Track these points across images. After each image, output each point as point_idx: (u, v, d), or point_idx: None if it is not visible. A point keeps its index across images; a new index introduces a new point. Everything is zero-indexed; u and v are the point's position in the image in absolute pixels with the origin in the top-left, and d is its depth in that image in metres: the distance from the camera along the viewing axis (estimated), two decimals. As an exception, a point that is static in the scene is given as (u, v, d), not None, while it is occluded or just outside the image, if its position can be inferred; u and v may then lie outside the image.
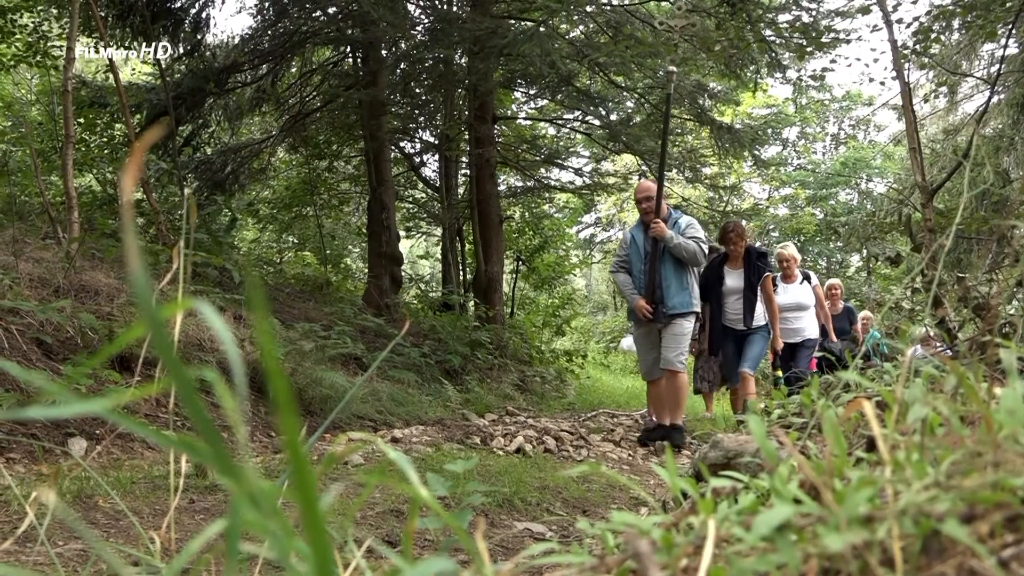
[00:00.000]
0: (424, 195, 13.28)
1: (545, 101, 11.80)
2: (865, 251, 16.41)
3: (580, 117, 11.04)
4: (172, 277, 1.00)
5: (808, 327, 6.50)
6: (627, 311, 5.22)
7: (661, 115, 6.99)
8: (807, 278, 6.72)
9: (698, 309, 5.03)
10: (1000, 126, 12.60)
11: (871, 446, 0.93)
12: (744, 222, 6.69)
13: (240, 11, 15.97)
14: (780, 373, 6.39)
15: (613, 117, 10.53)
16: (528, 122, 12.89)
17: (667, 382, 4.99)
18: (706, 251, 4.87)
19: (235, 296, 5.63)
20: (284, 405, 0.32)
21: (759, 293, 5.64)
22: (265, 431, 4.16)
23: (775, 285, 6.48)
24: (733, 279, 5.69)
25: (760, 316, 5.66)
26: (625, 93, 10.28)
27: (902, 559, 0.49)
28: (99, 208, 8.34)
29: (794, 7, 7.50)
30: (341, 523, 1.91)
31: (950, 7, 6.72)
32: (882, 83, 17.37)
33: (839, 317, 7.59)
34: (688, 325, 4.95)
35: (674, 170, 10.68)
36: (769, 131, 11.08)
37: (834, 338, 6.97)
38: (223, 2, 19.40)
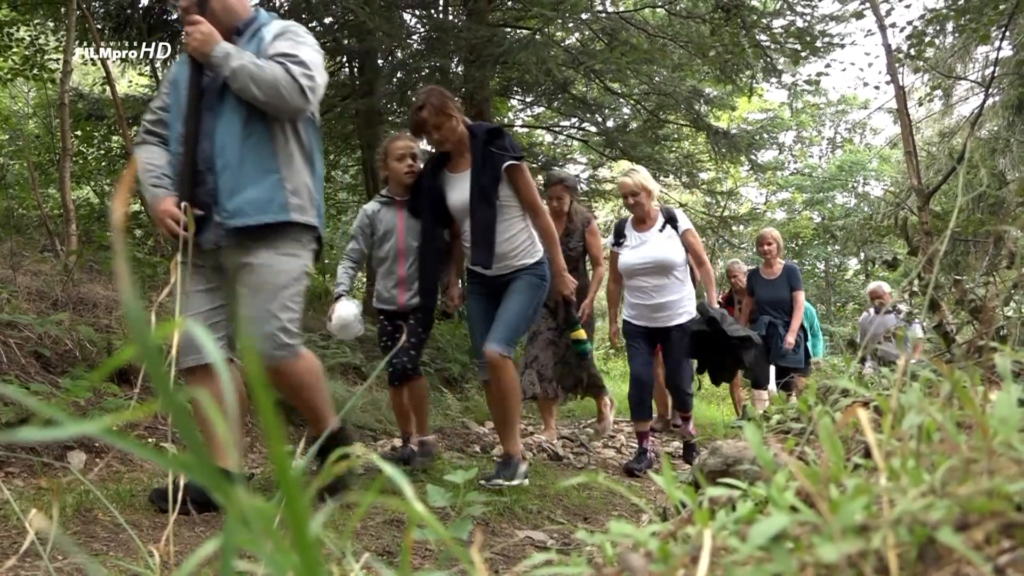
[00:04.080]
0: (422, 203, 13.26)
1: (541, 108, 11.81)
2: (862, 254, 16.43)
3: (576, 124, 11.06)
4: (170, 290, 1.00)
5: (682, 299, 4.07)
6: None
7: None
8: (672, 222, 4.11)
9: (314, 220, 2.48)
10: (995, 128, 12.65)
11: (869, 452, 0.93)
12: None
13: (237, 22, 16.01)
14: (582, 335, 3.58)
15: (609, 124, 10.56)
16: (525, 129, 12.91)
17: (272, 374, 2.53)
18: (304, 85, 2.29)
19: (233, 307, 5.62)
20: (270, 424, 0.32)
21: (510, 201, 3.06)
22: (265, 443, 4.15)
23: (622, 236, 4.16)
24: (457, 189, 3.11)
25: (523, 248, 3.09)
26: (621, 100, 10.31)
27: (897, 567, 0.50)
28: (97, 220, 8.35)
29: (788, 12, 7.54)
30: (340, 535, 1.91)
31: (943, 11, 6.76)
32: (876, 87, 17.40)
33: (776, 284, 5.35)
34: (292, 260, 2.43)
35: (671, 175, 10.70)
36: (765, 135, 11.11)
37: (714, 300, 4.11)
38: (219, 13, 19.43)
